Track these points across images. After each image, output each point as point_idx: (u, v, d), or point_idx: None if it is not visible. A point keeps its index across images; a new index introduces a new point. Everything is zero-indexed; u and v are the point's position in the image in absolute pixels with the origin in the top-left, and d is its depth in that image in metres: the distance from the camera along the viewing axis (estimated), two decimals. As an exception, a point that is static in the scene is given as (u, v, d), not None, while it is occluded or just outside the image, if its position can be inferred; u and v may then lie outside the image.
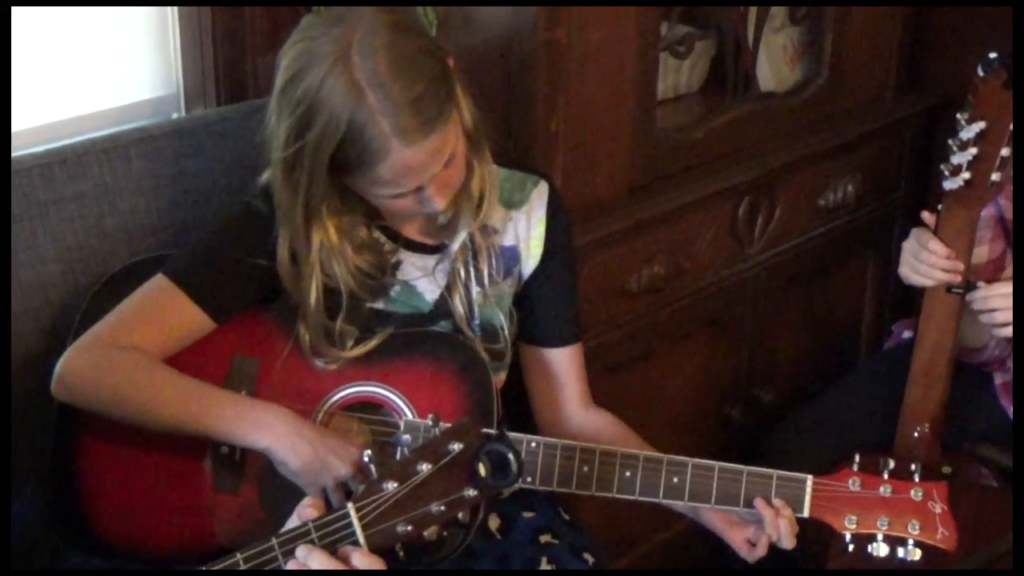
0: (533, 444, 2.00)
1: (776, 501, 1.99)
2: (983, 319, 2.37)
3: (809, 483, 1.98)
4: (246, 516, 2.01)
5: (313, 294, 2.01)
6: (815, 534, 2.04)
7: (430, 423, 1.86)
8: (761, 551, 2.03)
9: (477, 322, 2.11)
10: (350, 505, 1.72)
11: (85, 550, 2.04)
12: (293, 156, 1.91)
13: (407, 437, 2.00)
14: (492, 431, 1.95)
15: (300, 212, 1.96)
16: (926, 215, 2.38)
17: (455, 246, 2.08)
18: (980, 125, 2.26)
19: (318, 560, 1.71)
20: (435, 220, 2.08)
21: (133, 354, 1.96)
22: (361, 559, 1.71)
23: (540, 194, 2.15)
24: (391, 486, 1.73)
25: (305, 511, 1.76)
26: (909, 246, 2.41)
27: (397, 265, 2.09)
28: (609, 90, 2.50)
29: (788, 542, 2.00)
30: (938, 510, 1.95)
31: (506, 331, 2.13)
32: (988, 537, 2.35)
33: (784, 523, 1.98)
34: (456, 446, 1.74)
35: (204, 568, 1.73)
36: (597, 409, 2.23)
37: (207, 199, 2.27)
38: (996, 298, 2.34)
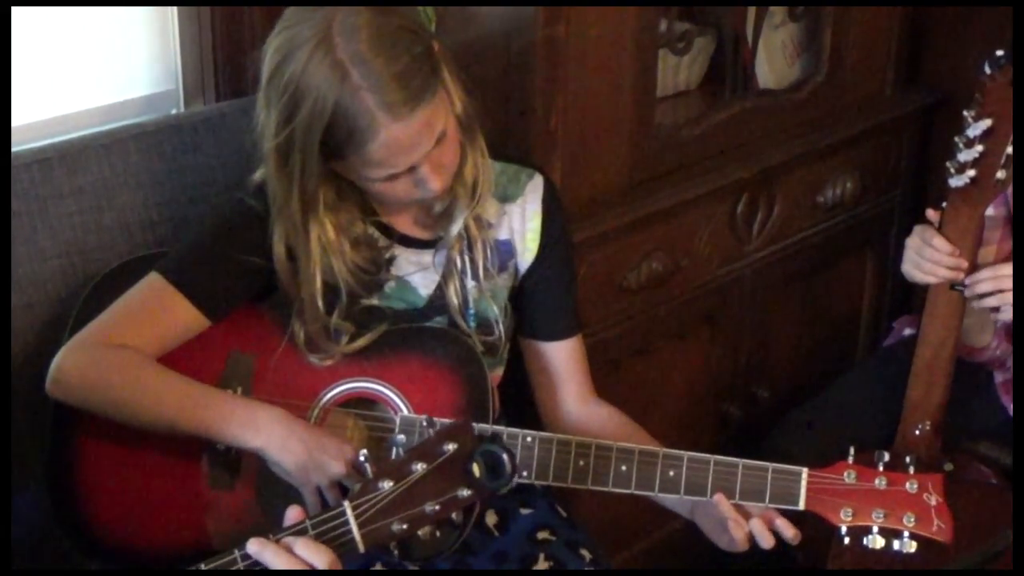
0: (529, 439, 2.00)
1: (756, 522, 1.99)
2: (975, 304, 2.36)
3: (804, 476, 1.97)
4: (242, 513, 2.01)
5: (314, 289, 2.01)
6: (814, 532, 2.04)
7: (424, 423, 1.86)
8: (739, 542, 2.01)
9: (472, 312, 2.11)
10: (346, 503, 1.72)
11: (80, 548, 2.03)
12: (285, 144, 1.91)
13: (402, 437, 2.00)
14: (487, 429, 1.96)
15: (296, 203, 1.96)
16: (931, 212, 2.37)
17: (454, 230, 2.08)
18: (987, 123, 2.25)
19: (271, 554, 1.70)
20: (430, 211, 2.08)
21: (127, 353, 1.96)
22: (303, 548, 1.70)
23: (535, 187, 2.15)
24: (386, 485, 1.73)
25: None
26: (912, 243, 2.40)
27: (391, 261, 2.09)
28: (608, 87, 2.50)
29: (765, 543, 2.00)
30: (933, 502, 1.95)
31: (501, 325, 2.13)
32: (987, 535, 2.34)
33: (755, 524, 1.98)
34: (450, 446, 1.74)
35: (203, 565, 1.73)
36: (600, 402, 2.23)
37: (206, 195, 2.27)
38: (983, 282, 2.34)
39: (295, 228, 1.98)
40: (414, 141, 1.91)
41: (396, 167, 1.93)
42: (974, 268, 2.35)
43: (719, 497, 1.98)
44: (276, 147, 1.92)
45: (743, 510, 1.99)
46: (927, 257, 2.35)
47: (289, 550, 1.69)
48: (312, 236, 1.99)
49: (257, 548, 1.69)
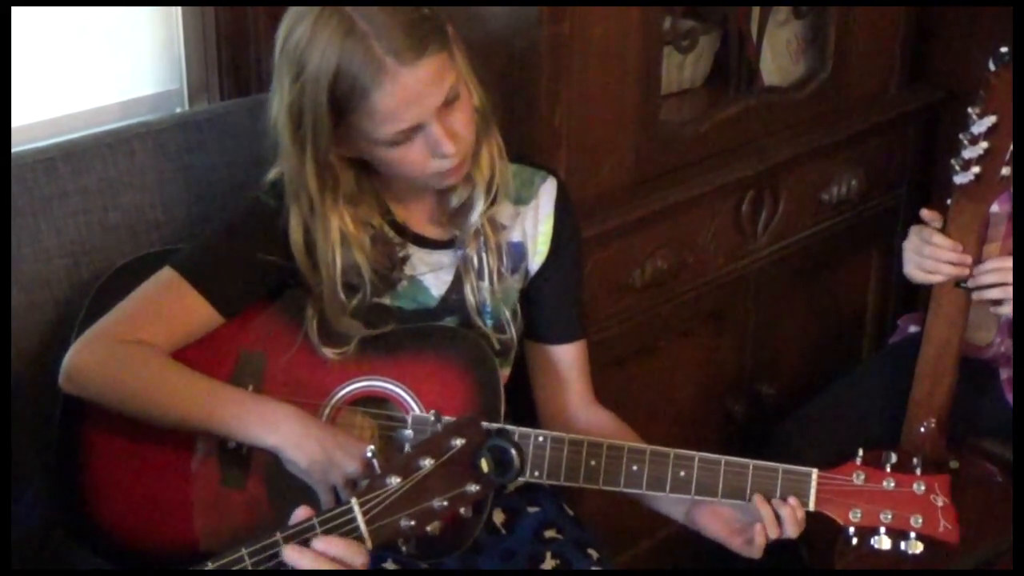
0: (540, 438, 2.00)
1: (776, 501, 1.99)
2: (975, 297, 2.36)
3: (814, 477, 1.98)
4: (254, 511, 2.01)
5: (334, 273, 2.00)
6: (820, 529, 2.04)
7: (432, 419, 1.86)
8: (758, 548, 2.03)
9: (489, 310, 2.11)
10: (354, 500, 1.72)
11: (89, 546, 2.03)
12: (296, 104, 1.91)
13: (409, 432, 2.00)
14: (493, 426, 1.96)
15: (311, 172, 1.94)
16: (925, 212, 2.38)
17: (472, 219, 2.06)
18: (991, 119, 2.26)
19: (309, 559, 1.71)
20: (446, 206, 2.08)
21: (141, 349, 1.96)
22: (326, 544, 1.71)
23: (548, 191, 2.15)
24: (394, 481, 1.73)
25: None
26: (910, 244, 2.41)
27: (405, 260, 2.08)
28: (612, 84, 2.50)
29: (793, 531, 2.00)
30: (940, 503, 1.96)
31: (512, 327, 2.12)
32: (992, 532, 2.35)
33: (788, 512, 1.98)
34: (458, 442, 1.74)
35: (209, 563, 1.73)
36: (600, 407, 2.22)
37: (211, 193, 2.27)
38: (987, 274, 2.34)
39: (311, 208, 1.97)
40: (422, 91, 1.89)
41: (404, 120, 1.91)
42: (978, 265, 2.35)
43: (759, 499, 1.98)
44: (288, 107, 1.92)
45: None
46: (928, 255, 2.35)
47: (324, 555, 1.70)
48: (331, 219, 1.98)
49: (295, 556, 1.70)
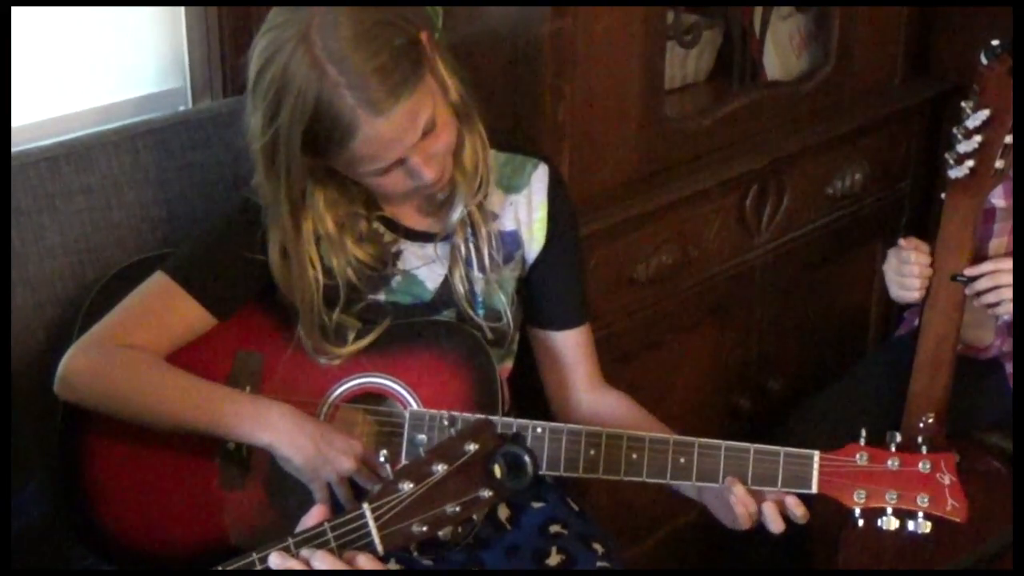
0: (539, 430, 1.99)
1: (768, 506, 1.97)
2: (975, 303, 2.36)
3: (816, 459, 1.96)
4: (254, 512, 2.01)
5: (307, 292, 2.00)
6: (827, 512, 2.03)
7: (446, 423, 1.86)
8: (743, 518, 2.00)
9: (481, 300, 2.11)
10: (366, 505, 1.72)
11: (92, 549, 2.04)
12: (270, 145, 1.91)
13: (423, 437, 1.99)
14: (508, 424, 1.96)
15: (285, 205, 1.95)
16: (903, 241, 2.39)
17: (455, 216, 2.06)
18: (985, 113, 2.26)
19: (321, 560, 1.70)
20: (434, 199, 2.08)
21: (134, 353, 1.96)
22: (367, 561, 1.71)
23: (540, 177, 2.14)
24: (407, 486, 1.72)
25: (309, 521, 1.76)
26: (890, 266, 2.43)
27: (398, 255, 2.09)
28: (616, 79, 2.50)
29: (774, 527, 1.99)
30: (947, 481, 1.93)
31: (509, 315, 2.12)
32: (995, 525, 2.34)
33: (769, 507, 1.97)
34: (472, 447, 1.73)
35: (220, 567, 1.73)
36: (609, 389, 2.23)
37: (214, 191, 2.28)
38: (983, 279, 2.34)
39: (285, 232, 1.98)
40: (397, 135, 1.89)
41: (383, 161, 1.92)
42: (976, 258, 2.35)
43: (731, 478, 1.97)
44: (262, 148, 1.92)
45: (755, 492, 1.98)
46: (907, 273, 2.37)
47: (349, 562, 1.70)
48: (303, 239, 1.98)
49: (278, 561, 1.69)
